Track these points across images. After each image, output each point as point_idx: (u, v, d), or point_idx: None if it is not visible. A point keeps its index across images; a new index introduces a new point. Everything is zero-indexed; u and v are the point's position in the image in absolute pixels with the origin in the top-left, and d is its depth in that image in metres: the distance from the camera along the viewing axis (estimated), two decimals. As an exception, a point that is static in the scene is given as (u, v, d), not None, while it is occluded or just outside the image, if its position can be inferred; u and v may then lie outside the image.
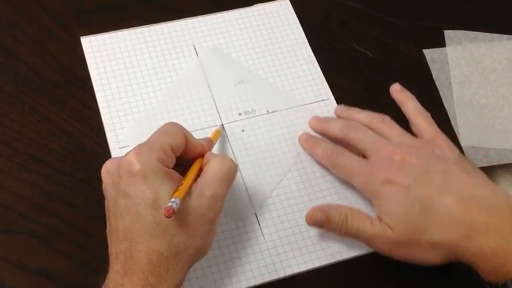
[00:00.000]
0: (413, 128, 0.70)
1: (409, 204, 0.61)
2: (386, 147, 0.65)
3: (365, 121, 0.69)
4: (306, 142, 0.71)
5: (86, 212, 0.66)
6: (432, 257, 0.61)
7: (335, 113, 0.73)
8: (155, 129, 0.60)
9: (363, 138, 0.67)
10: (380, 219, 0.63)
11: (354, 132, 0.67)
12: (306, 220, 0.65)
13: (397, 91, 0.73)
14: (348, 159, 0.66)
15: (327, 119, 0.72)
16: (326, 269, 0.65)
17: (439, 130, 0.68)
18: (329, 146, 0.69)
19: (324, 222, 0.64)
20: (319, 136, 0.71)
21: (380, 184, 0.63)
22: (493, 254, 0.58)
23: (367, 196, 0.66)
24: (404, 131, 0.68)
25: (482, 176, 0.64)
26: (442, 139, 0.67)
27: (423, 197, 0.61)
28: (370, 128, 0.68)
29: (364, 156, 0.66)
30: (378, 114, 0.69)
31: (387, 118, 0.69)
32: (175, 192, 0.55)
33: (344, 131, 0.68)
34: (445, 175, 0.62)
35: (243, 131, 0.71)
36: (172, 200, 0.53)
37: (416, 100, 0.72)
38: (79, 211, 0.66)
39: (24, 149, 0.69)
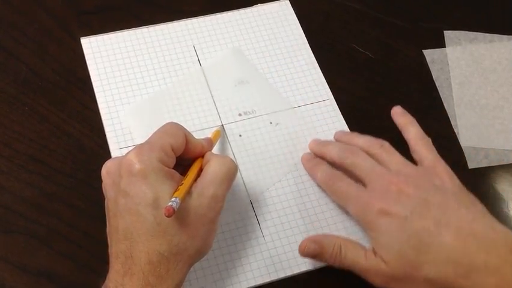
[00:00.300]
0: (413, 154, 0.67)
1: (405, 238, 0.59)
2: (383, 176, 0.63)
3: (363, 146, 0.67)
4: (307, 163, 0.70)
5: (86, 212, 0.66)
6: None
7: (334, 137, 0.72)
8: (155, 129, 0.60)
9: (361, 164, 0.65)
10: (374, 251, 0.61)
11: (351, 158, 0.65)
12: (300, 251, 0.64)
13: (398, 114, 0.70)
14: (346, 186, 0.65)
15: (326, 142, 0.70)
16: (326, 269, 0.65)
17: (439, 157, 0.65)
18: (328, 169, 0.67)
19: (317, 253, 0.63)
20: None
21: (375, 215, 0.61)
22: None
23: (362, 226, 0.65)
24: (403, 158, 0.65)
25: (481, 209, 0.61)
26: (442, 167, 0.64)
27: (420, 230, 0.58)
28: (368, 153, 0.66)
29: (362, 183, 0.64)
30: (376, 140, 0.67)
31: (386, 144, 0.67)
32: (175, 191, 0.55)
33: (341, 156, 0.66)
34: (443, 208, 0.60)
35: (240, 135, 0.71)
36: (173, 199, 0.53)
37: (417, 124, 0.68)
38: (79, 212, 0.66)
39: (25, 150, 0.69)
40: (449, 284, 0.57)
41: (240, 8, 0.80)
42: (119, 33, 0.76)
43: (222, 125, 0.72)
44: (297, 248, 0.65)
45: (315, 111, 0.74)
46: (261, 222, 0.67)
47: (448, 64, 0.79)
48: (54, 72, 0.74)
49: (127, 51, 0.75)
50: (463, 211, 0.60)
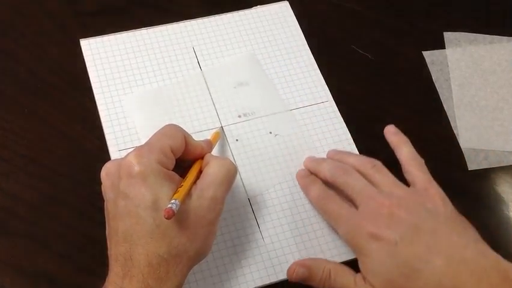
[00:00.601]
0: (406, 175, 0.65)
1: (394, 264, 0.57)
2: (374, 198, 0.61)
3: (355, 165, 0.66)
4: (302, 180, 0.69)
5: (86, 214, 0.66)
6: None
7: (327, 156, 0.71)
8: (155, 131, 0.60)
9: (353, 184, 0.63)
10: (364, 277, 0.59)
11: (343, 177, 0.64)
12: (288, 276, 0.62)
13: (391, 133, 0.68)
14: (337, 207, 0.64)
15: (320, 160, 0.69)
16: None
17: (432, 179, 0.63)
18: (321, 188, 0.66)
19: (306, 278, 0.62)
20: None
21: (365, 239, 0.59)
22: None
23: (351, 249, 0.63)
24: (395, 179, 0.64)
25: (473, 234, 0.59)
26: (435, 190, 0.62)
27: (410, 257, 0.57)
28: (360, 172, 0.64)
29: (354, 204, 0.63)
30: (369, 159, 0.66)
31: (378, 163, 0.65)
32: (174, 193, 0.55)
33: (334, 174, 0.65)
34: (434, 234, 0.58)
35: (237, 140, 0.71)
36: (172, 201, 0.53)
37: (410, 144, 0.66)
38: (78, 214, 0.66)
39: (24, 152, 0.69)
40: None
41: (239, 9, 0.80)
42: (119, 35, 0.76)
43: (222, 126, 0.72)
44: (297, 250, 0.65)
45: (315, 112, 0.74)
46: (261, 224, 0.67)
47: (448, 65, 0.79)
48: (53, 74, 0.74)
49: (127, 52, 0.75)
50: (455, 237, 0.58)
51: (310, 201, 0.68)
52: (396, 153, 0.67)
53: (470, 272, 0.56)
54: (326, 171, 0.66)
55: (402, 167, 0.66)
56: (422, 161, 0.65)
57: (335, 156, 0.70)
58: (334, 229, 0.66)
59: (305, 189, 0.68)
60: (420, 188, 0.63)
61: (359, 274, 0.60)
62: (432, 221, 0.59)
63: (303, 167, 0.70)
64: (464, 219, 0.61)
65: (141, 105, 0.72)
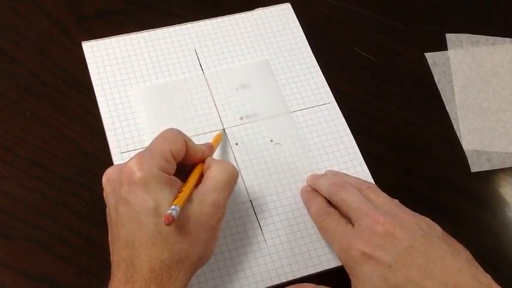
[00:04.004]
0: None
1: None
2: (370, 214, 0.60)
3: (353, 182, 0.65)
4: (304, 195, 0.68)
5: (88, 217, 0.66)
6: None
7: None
8: (156, 134, 0.60)
9: (348, 201, 0.62)
10: None
11: (340, 193, 0.63)
12: None
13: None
14: (334, 224, 0.62)
15: (319, 176, 0.69)
16: (328, 274, 0.65)
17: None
18: (322, 205, 0.65)
19: None
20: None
21: (358, 258, 0.58)
22: None
23: (345, 267, 0.61)
24: (390, 199, 0.63)
25: (465, 255, 0.58)
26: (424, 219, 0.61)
27: (403, 281, 0.55)
28: (359, 190, 0.64)
29: (350, 221, 0.62)
30: (364, 181, 0.66)
31: (374, 185, 0.66)
32: (175, 199, 0.55)
33: (331, 190, 0.65)
34: (428, 255, 0.56)
35: (236, 144, 0.71)
36: (172, 207, 0.53)
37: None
38: (80, 216, 0.66)
39: (26, 155, 0.69)
40: None
41: (241, 11, 0.80)
42: (121, 38, 0.76)
43: (224, 129, 0.72)
44: (299, 252, 0.65)
45: (317, 114, 0.74)
46: (263, 227, 0.66)
47: (450, 67, 0.79)
48: (55, 76, 0.74)
49: (129, 55, 0.75)
50: (449, 259, 0.57)
51: (311, 217, 0.67)
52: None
53: None
54: (323, 186, 0.66)
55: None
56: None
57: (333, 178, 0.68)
58: (329, 246, 0.65)
59: (307, 203, 0.68)
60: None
61: None
62: (426, 241, 0.58)
63: (306, 177, 0.69)
64: (455, 241, 0.59)
65: (146, 102, 0.72)
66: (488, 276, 0.56)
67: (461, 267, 0.56)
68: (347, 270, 0.60)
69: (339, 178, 0.67)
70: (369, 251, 0.57)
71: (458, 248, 0.58)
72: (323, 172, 0.70)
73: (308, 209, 0.67)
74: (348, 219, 0.62)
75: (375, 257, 0.57)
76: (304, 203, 0.68)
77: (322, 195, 0.66)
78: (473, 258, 0.58)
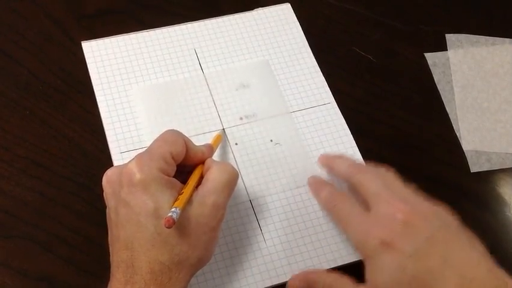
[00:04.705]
0: None
1: (406, 279, 0.55)
2: (389, 201, 0.58)
3: (370, 166, 0.65)
4: (312, 184, 0.68)
5: (87, 217, 0.66)
6: None
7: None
8: (156, 136, 0.60)
9: (367, 185, 0.61)
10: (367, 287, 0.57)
11: (360, 175, 0.62)
12: None
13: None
14: (348, 209, 0.61)
15: (335, 156, 0.68)
16: (328, 274, 0.65)
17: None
18: (332, 190, 0.65)
19: None
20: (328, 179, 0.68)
21: (376, 246, 0.56)
22: None
23: (360, 254, 0.60)
24: (407, 186, 0.61)
25: (482, 249, 0.57)
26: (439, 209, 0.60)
27: (423, 272, 0.55)
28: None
29: (366, 205, 0.61)
30: (382, 166, 0.63)
31: (392, 171, 0.63)
32: (175, 201, 0.55)
33: (350, 171, 0.63)
34: (448, 246, 0.56)
35: (236, 144, 0.71)
36: (172, 210, 0.53)
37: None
38: (79, 216, 0.66)
39: (25, 154, 0.68)
40: None
41: (241, 11, 0.80)
42: (120, 37, 0.76)
43: (223, 129, 0.72)
44: (299, 252, 0.65)
45: (317, 114, 0.74)
46: (263, 227, 0.66)
47: (450, 67, 0.79)
48: (55, 76, 0.74)
49: (128, 55, 0.75)
50: (467, 251, 0.56)
51: (320, 204, 0.67)
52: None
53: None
54: (341, 167, 0.65)
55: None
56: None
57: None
58: (343, 232, 0.64)
59: (315, 191, 0.67)
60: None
61: (360, 285, 0.58)
62: (445, 231, 0.57)
63: (310, 172, 0.69)
64: (470, 232, 0.58)
65: (145, 101, 0.72)
66: (503, 271, 0.56)
67: (479, 260, 0.56)
68: (362, 258, 0.59)
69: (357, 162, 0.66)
70: (389, 239, 0.56)
71: (474, 239, 0.57)
72: (323, 173, 0.70)
73: (317, 197, 0.67)
74: (363, 204, 0.60)
75: (396, 246, 0.56)
76: (312, 191, 0.68)
77: (330, 184, 0.66)
78: (487, 251, 0.57)
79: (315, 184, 0.68)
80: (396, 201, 0.58)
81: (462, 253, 0.56)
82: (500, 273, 0.56)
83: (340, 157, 0.68)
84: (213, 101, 0.73)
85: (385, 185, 0.60)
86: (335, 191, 0.65)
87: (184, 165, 0.60)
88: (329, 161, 0.68)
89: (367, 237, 0.57)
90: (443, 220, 0.58)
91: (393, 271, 0.55)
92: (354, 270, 0.65)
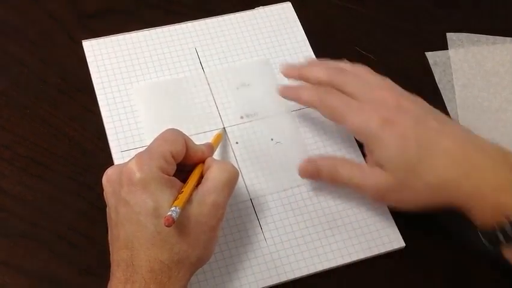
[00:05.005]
0: None
1: (408, 146, 0.60)
2: (377, 90, 0.64)
3: (346, 66, 0.68)
4: (287, 90, 0.69)
5: (88, 215, 0.66)
6: (426, 202, 0.61)
7: (308, 62, 0.72)
8: (156, 134, 0.60)
9: (351, 82, 0.65)
10: (373, 164, 0.63)
11: (340, 76, 0.66)
12: (299, 173, 0.66)
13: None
14: (339, 100, 0.64)
15: (310, 64, 0.71)
16: (328, 273, 0.65)
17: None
18: (315, 88, 0.67)
19: (315, 174, 0.66)
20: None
21: (379, 125, 0.61)
22: (491, 192, 0.58)
23: (361, 139, 0.65)
24: (384, 78, 0.67)
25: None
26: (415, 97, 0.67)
27: (422, 138, 0.61)
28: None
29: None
30: (361, 65, 0.68)
31: (367, 68, 0.68)
32: (175, 200, 0.55)
33: (330, 74, 0.66)
34: (440, 120, 0.63)
35: (237, 143, 0.71)
36: (172, 209, 0.53)
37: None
38: (80, 215, 0.66)
39: (26, 153, 0.68)
40: (450, 186, 0.60)
41: (242, 10, 0.80)
42: (121, 36, 0.76)
43: (224, 127, 0.72)
44: (299, 251, 0.65)
45: (317, 113, 0.73)
46: (263, 226, 0.66)
47: (451, 66, 0.79)
48: (55, 75, 0.74)
49: (129, 53, 0.75)
50: (457, 126, 0.65)
51: (305, 104, 0.68)
52: None
53: (476, 148, 0.60)
54: (320, 72, 0.67)
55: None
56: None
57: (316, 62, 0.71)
58: (338, 123, 0.66)
59: (294, 95, 0.68)
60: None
61: (363, 163, 0.65)
62: (432, 112, 0.64)
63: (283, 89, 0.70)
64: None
65: (146, 100, 0.72)
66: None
67: (468, 130, 0.63)
68: (363, 140, 0.64)
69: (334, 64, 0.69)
70: (390, 116, 0.61)
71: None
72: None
73: (299, 99, 0.68)
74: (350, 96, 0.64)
75: (396, 122, 0.61)
76: (289, 97, 0.69)
77: (305, 83, 0.68)
78: None
79: (289, 90, 0.69)
80: (383, 90, 0.64)
81: (453, 126, 0.64)
82: (489, 142, 0.62)
83: (315, 64, 0.71)
84: (214, 99, 0.73)
85: (366, 81, 0.65)
86: (318, 88, 0.66)
87: (184, 164, 0.60)
88: (302, 71, 0.69)
89: (368, 121, 0.62)
90: (427, 105, 0.65)
91: (398, 141, 0.61)
92: (353, 269, 0.65)
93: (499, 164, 0.60)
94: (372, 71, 0.67)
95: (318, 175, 0.66)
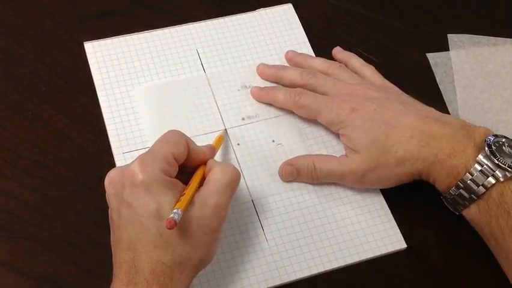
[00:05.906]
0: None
1: (375, 126, 0.65)
2: (347, 86, 0.70)
3: (322, 67, 0.73)
4: (262, 91, 0.73)
5: (90, 217, 0.66)
6: (398, 175, 0.66)
7: (286, 57, 0.77)
8: (158, 136, 0.60)
9: (323, 83, 0.71)
10: (349, 153, 0.66)
11: (313, 78, 0.71)
12: (280, 176, 0.69)
13: (339, 51, 0.77)
14: (312, 98, 0.69)
15: (282, 66, 0.75)
16: (330, 274, 0.65)
17: (386, 79, 0.73)
18: (288, 90, 0.71)
19: (295, 175, 0.68)
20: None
21: (347, 114, 0.66)
22: (446, 158, 0.63)
23: (334, 129, 0.69)
24: (353, 74, 0.73)
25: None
26: (391, 85, 0.73)
27: (387, 118, 0.65)
28: (327, 74, 0.72)
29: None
30: (334, 61, 0.75)
31: (343, 65, 0.74)
32: (177, 202, 0.55)
33: (304, 77, 0.72)
34: (403, 102, 0.68)
35: (238, 144, 0.71)
36: (174, 211, 0.53)
37: (358, 57, 0.76)
38: (82, 217, 0.66)
39: (28, 155, 0.69)
40: (414, 159, 0.64)
41: (243, 12, 0.80)
42: (122, 38, 0.76)
43: (225, 129, 0.72)
44: (301, 253, 0.65)
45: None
46: (265, 227, 0.67)
47: (452, 67, 0.79)
48: (57, 77, 0.74)
49: (130, 55, 0.75)
50: (419, 104, 0.69)
51: (281, 105, 0.72)
52: (348, 65, 0.75)
53: (436, 122, 0.65)
54: (294, 75, 0.73)
55: (357, 73, 0.74)
56: (373, 67, 0.74)
57: (297, 58, 0.75)
58: (314, 119, 0.70)
59: (269, 96, 0.73)
60: (379, 85, 0.72)
61: (341, 156, 0.68)
62: (398, 97, 0.69)
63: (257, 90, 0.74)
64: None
65: (147, 102, 0.72)
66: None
67: (430, 109, 0.68)
68: (335, 130, 0.69)
69: (306, 62, 0.75)
70: (356, 106, 0.67)
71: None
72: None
73: (275, 101, 0.73)
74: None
75: (361, 108, 0.66)
76: (264, 99, 0.73)
77: (278, 85, 0.74)
78: None
79: (264, 92, 0.73)
80: (351, 85, 0.70)
81: (415, 105, 0.68)
82: (450, 116, 0.68)
83: (287, 67, 0.75)
84: (215, 101, 0.73)
85: (336, 79, 0.71)
86: (291, 90, 0.71)
87: (186, 166, 0.60)
88: (276, 72, 0.74)
89: (338, 111, 0.67)
90: (393, 93, 0.71)
91: (365, 122, 0.66)
92: (355, 270, 0.65)
93: (456, 133, 0.64)
94: (346, 69, 0.74)
95: (298, 174, 0.68)
